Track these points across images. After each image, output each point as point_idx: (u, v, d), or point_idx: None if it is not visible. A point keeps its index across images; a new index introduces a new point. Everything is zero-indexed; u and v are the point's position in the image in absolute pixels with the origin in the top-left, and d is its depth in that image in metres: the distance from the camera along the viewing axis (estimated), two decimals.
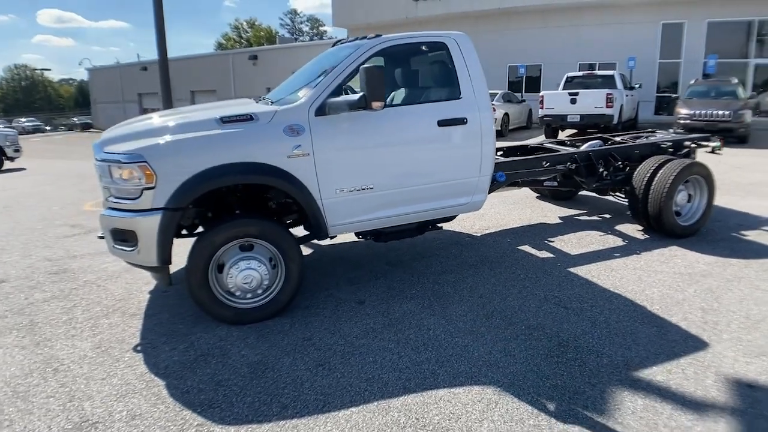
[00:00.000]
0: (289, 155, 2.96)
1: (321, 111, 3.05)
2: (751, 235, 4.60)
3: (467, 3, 20.52)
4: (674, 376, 2.44)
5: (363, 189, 3.21)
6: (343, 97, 3.04)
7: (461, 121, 3.37)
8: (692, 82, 13.83)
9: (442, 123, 3.33)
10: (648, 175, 4.46)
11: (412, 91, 3.84)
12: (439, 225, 3.76)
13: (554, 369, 2.51)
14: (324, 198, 3.10)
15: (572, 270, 3.87)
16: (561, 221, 5.33)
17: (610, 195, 5.28)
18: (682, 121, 11.74)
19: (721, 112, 11.50)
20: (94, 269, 4.23)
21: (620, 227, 4.96)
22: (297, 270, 3.10)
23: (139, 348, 2.85)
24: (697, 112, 11.77)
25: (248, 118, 2.96)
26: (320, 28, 68.18)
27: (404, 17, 22.23)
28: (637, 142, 5.15)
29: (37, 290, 3.79)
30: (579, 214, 5.57)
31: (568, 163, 4.59)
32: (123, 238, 2.89)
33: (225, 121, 2.93)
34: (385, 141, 3.25)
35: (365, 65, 2.80)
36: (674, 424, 2.09)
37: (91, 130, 37.40)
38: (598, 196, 5.72)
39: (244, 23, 61.69)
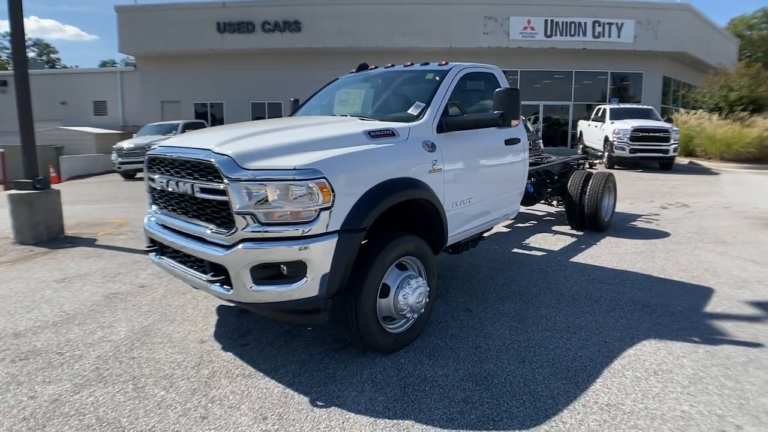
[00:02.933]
0: (429, 170, 3.25)
1: (440, 128, 3.44)
2: (639, 224, 6.72)
3: (278, 40, 21.50)
4: (726, 306, 3.74)
5: (467, 202, 3.68)
6: (478, 115, 3.51)
7: (517, 141, 4.21)
8: None
9: (507, 142, 4.10)
10: (580, 185, 6.10)
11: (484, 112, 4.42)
12: (485, 235, 4.43)
13: (664, 319, 3.52)
14: (446, 212, 3.45)
15: (574, 260, 5.05)
16: (510, 230, 6.59)
17: (539, 203, 6.82)
18: None
19: None
20: (85, 341, 3.31)
21: (556, 228, 6.51)
22: (435, 285, 3.33)
23: (319, 403, 2.59)
24: None
25: (391, 133, 3.14)
26: (51, 55, 59.86)
27: (209, 48, 21.76)
28: (556, 160, 6.85)
29: (32, 384, 2.78)
30: (513, 223, 6.95)
31: (532, 178, 5.89)
32: (275, 273, 2.64)
33: (373, 135, 3.04)
34: (482, 155, 3.82)
35: (499, 89, 3.37)
36: (764, 329, 3.33)
37: None
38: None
39: None
